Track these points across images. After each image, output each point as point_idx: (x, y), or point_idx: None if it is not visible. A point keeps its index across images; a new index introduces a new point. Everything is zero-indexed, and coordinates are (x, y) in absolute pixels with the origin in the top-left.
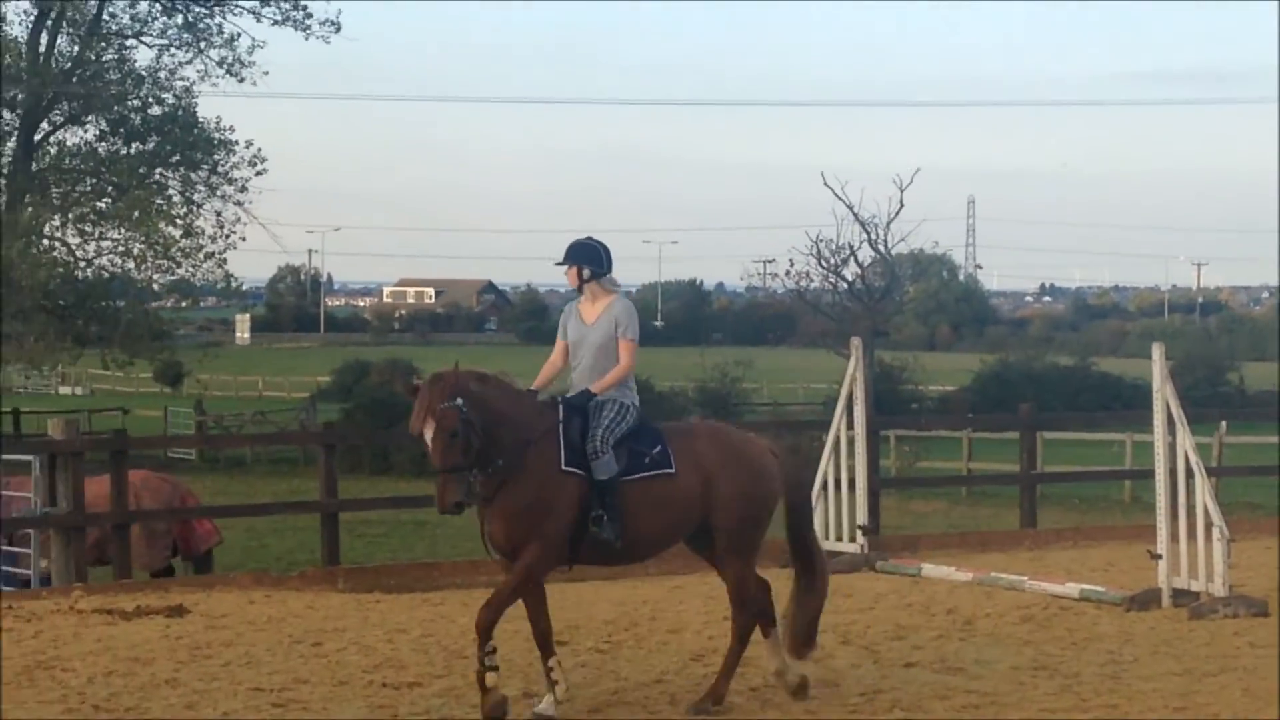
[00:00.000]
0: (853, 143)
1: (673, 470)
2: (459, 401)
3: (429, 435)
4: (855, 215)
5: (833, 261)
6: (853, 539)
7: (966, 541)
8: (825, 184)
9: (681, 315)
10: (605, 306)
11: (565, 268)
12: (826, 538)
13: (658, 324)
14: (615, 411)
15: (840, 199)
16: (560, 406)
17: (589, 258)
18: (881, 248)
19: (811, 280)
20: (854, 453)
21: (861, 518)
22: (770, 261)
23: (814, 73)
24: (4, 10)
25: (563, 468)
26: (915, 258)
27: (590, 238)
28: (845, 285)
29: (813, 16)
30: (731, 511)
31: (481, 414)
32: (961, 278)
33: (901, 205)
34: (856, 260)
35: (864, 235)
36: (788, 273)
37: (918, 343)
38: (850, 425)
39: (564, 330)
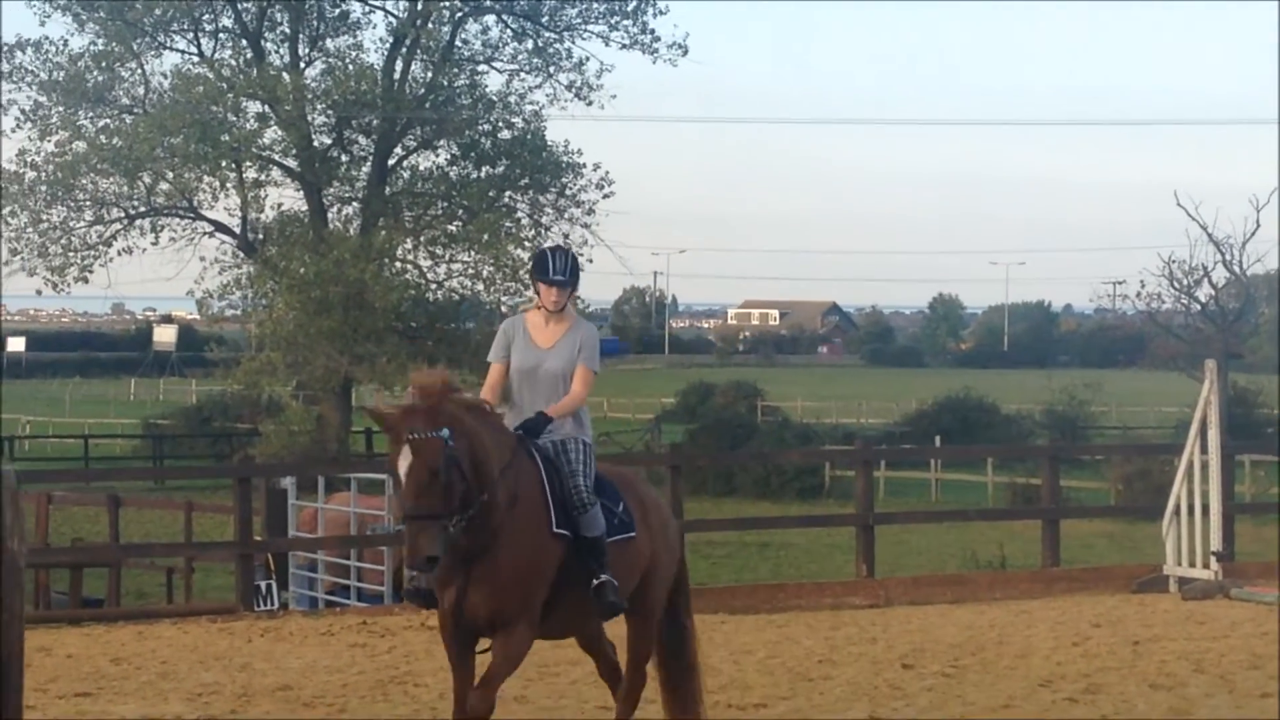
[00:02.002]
0: (1207, 161)
1: (634, 534)
2: (445, 433)
3: (403, 468)
4: (1209, 235)
5: (1185, 283)
6: (1206, 565)
7: None
8: (1178, 204)
9: (1028, 337)
10: (567, 329)
11: (549, 286)
12: (1180, 563)
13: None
14: (583, 453)
15: (1194, 219)
16: (527, 444)
17: (578, 278)
18: (1236, 268)
19: (1163, 301)
20: (1207, 478)
21: (1215, 544)
22: (1120, 283)
23: (1166, 89)
24: (361, 38)
25: (555, 530)
26: (1271, 279)
27: (562, 248)
28: (1198, 307)
29: (1164, 35)
30: (665, 575)
31: (469, 451)
32: None
33: (1258, 225)
34: (1210, 281)
35: (1218, 256)
36: (1138, 294)
37: (1274, 365)
38: (1204, 449)
39: (502, 349)
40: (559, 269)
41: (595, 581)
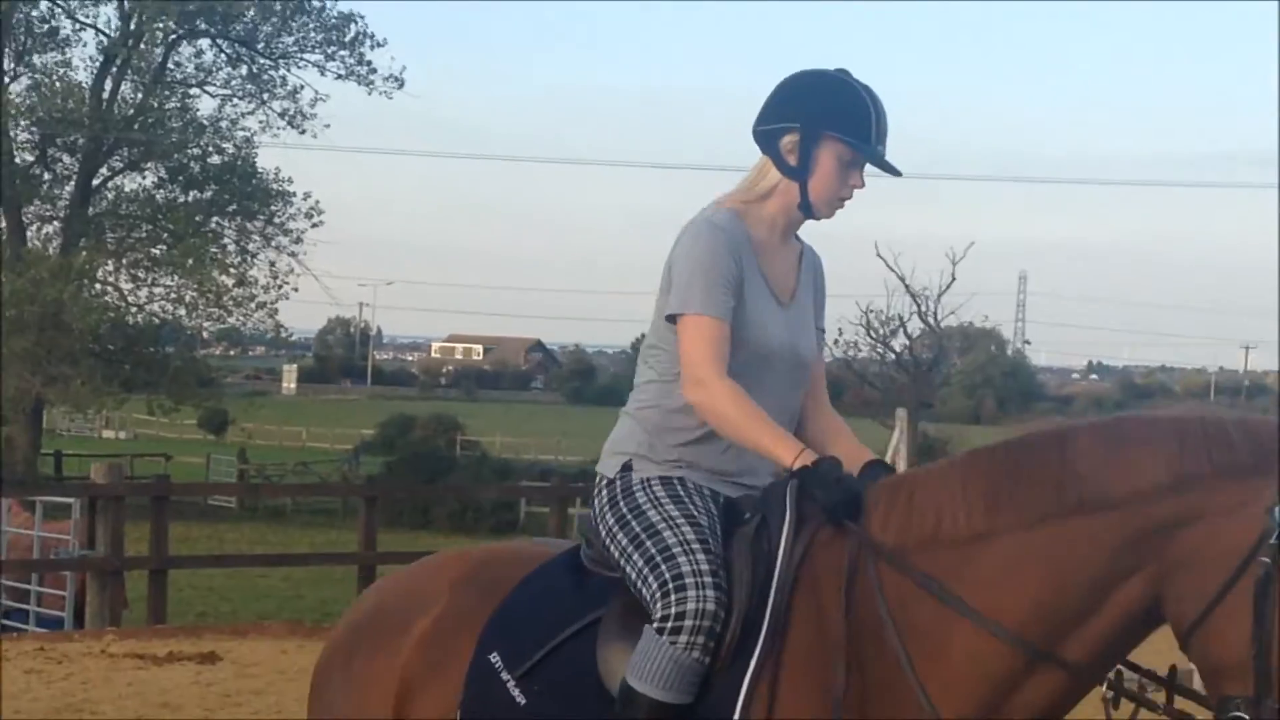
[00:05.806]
0: (907, 213)
1: None
2: None
3: None
4: (906, 287)
5: (882, 332)
6: None
7: None
8: (878, 254)
9: None
10: (799, 260)
11: (865, 163)
12: None
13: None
14: None
15: (892, 270)
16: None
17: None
18: (931, 320)
19: (859, 350)
20: None
21: None
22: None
23: None
24: (70, 55)
25: None
26: (964, 331)
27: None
28: (893, 356)
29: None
30: None
31: None
32: (1009, 352)
33: (953, 278)
34: (905, 332)
35: (914, 307)
36: (836, 341)
37: (963, 416)
38: None
39: (731, 286)
40: (884, 134)
41: None
